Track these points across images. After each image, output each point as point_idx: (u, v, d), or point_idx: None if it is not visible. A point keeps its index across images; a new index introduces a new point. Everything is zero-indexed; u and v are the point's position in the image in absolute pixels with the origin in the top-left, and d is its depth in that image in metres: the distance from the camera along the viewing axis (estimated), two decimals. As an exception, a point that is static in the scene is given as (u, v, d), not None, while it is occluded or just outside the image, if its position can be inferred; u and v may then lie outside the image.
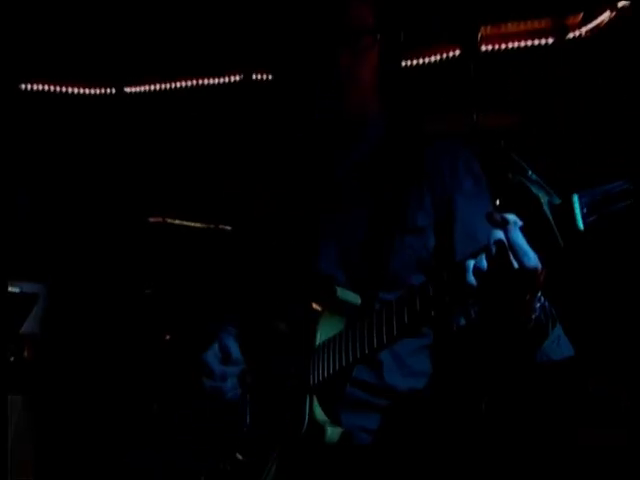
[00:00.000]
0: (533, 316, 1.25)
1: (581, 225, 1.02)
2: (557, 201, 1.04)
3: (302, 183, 1.78)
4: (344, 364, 1.44)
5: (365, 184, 1.67)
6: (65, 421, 3.72)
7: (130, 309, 3.99)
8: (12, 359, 3.95)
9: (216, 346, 1.77)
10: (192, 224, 3.98)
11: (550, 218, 1.04)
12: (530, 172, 1.06)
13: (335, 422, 1.49)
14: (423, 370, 1.61)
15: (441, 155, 1.64)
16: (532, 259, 1.11)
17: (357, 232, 1.61)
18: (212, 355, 1.76)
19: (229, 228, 3.66)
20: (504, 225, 1.12)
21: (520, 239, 1.09)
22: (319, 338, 1.50)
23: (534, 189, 1.05)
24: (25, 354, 4.09)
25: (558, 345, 1.33)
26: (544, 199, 1.04)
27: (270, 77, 4.25)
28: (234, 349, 1.73)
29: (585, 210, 1.01)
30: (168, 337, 3.72)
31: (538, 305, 1.25)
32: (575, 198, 1.02)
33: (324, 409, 1.49)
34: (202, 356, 1.76)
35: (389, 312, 1.34)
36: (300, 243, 1.69)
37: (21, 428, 3.68)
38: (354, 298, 1.52)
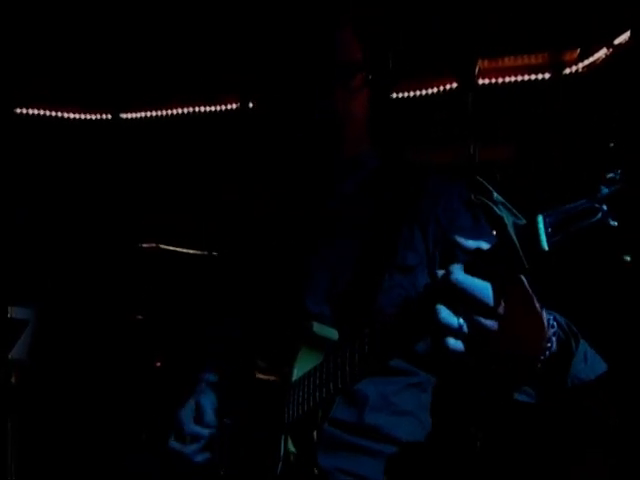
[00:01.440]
0: (548, 336, 1.17)
1: (545, 245, 1.00)
2: (522, 222, 1.03)
3: (296, 209, 1.76)
4: (318, 400, 1.40)
5: (356, 219, 1.65)
6: (55, 446, 3.67)
7: (121, 335, 3.95)
8: (-1, 384, 3.90)
9: (192, 403, 1.73)
10: (185, 250, 3.97)
11: (514, 239, 1.02)
12: (495, 194, 1.05)
13: (312, 463, 1.45)
14: (408, 409, 1.58)
15: (435, 193, 1.61)
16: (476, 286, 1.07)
17: (346, 267, 1.59)
18: (186, 413, 1.72)
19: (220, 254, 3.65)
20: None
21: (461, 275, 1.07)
22: (296, 374, 1.47)
23: (498, 210, 1.04)
24: (12, 380, 4.04)
25: (586, 364, 1.25)
26: (509, 220, 1.03)
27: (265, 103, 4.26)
28: (208, 410, 1.70)
29: (550, 230, 1.00)
30: (159, 364, 3.69)
31: (552, 331, 1.18)
32: (539, 218, 1.01)
33: (301, 449, 1.45)
34: (176, 413, 1.73)
35: (362, 344, 1.30)
36: (289, 273, 1.67)
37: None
38: (331, 333, 1.49)
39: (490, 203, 1.05)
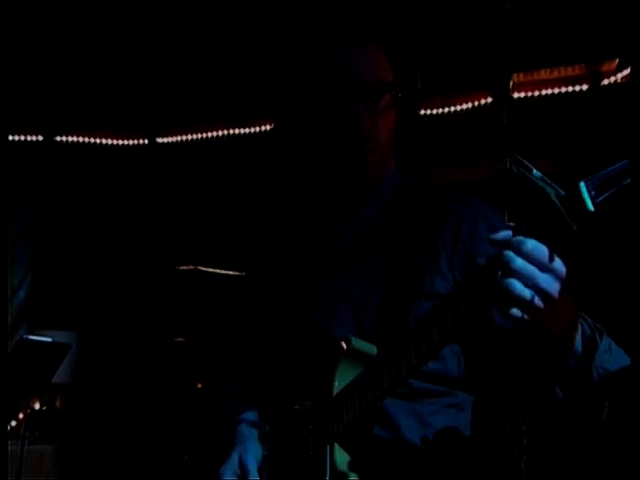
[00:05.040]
0: (577, 324, 1.24)
1: (591, 206, 1.06)
2: (563, 193, 1.09)
3: (313, 231, 1.72)
4: (365, 406, 1.39)
5: (377, 247, 1.60)
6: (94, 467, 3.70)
7: (161, 357, 3.98)
8: (44, 408, 3.94)
9: (235, 459, 1.58)
10: (224, 272, 3.99)
11: (559, 205, 1.07)
12: (534, 170, 1.10)
13: (360, 471, 1.44)
14: (445, 429, 1.54)
15: (458, 216, 1.57)
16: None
17: (372, 299, 1.55)
18: (229, 472, 1.57)
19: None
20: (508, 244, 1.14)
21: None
22: (337, 387, 1.46)
23: (539, 183, 1.09)
24: (57, 404, 4.08)
25: (611, 355, 1.29)
26: (550, 191, 1.09)
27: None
28: (252, 468, 1.56)
29: (593, 193, 1.06)
30: (200, 386, 3.70)
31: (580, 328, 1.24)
32: (582, 184, 1.06)
33: (348, 458, 1.44)
34: (219, 471, 1.57)
35: (411, 337, 1.31)
36: (305, 298, 1.61)
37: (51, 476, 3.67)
38: (370, 348, 1.48)
39: (532, 177, 1.10)
